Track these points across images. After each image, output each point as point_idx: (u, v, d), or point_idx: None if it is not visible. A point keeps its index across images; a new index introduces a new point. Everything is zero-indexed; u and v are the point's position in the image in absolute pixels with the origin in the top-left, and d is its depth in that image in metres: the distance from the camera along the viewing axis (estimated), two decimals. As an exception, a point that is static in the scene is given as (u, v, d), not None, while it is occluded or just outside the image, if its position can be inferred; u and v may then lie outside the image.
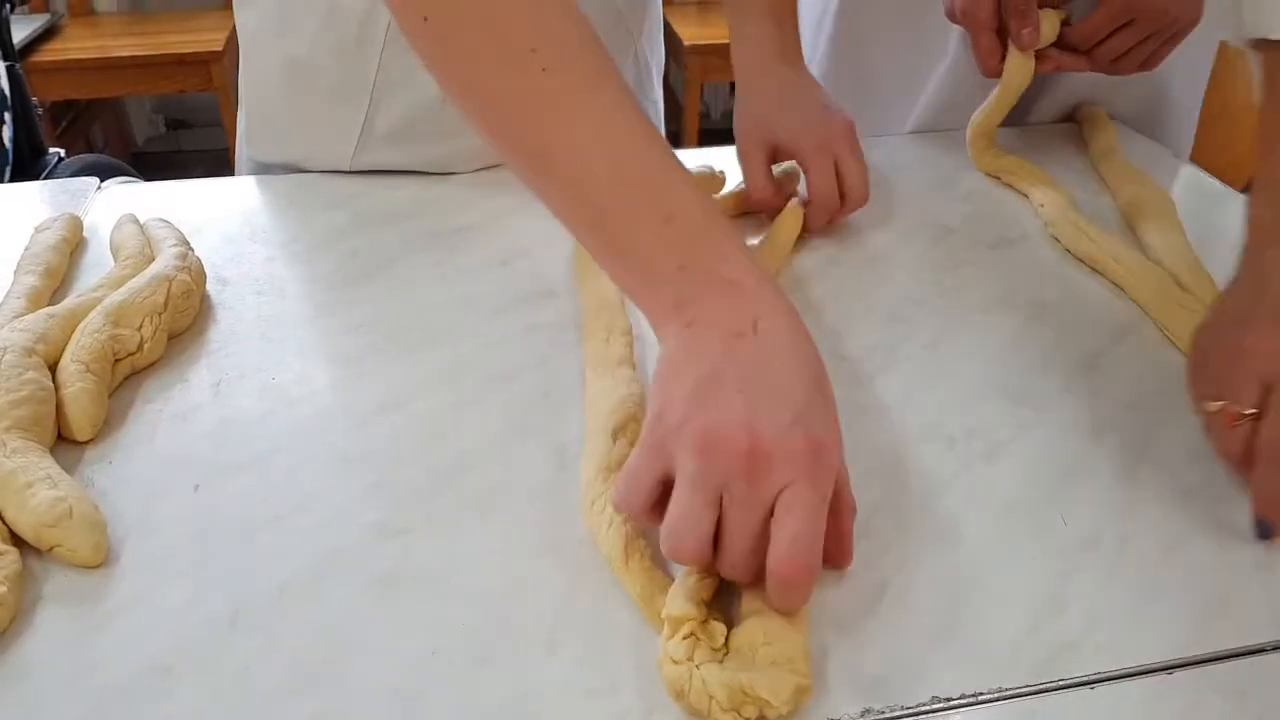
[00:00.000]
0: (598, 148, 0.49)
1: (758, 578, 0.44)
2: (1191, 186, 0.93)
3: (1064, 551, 0.51)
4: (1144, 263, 0.74)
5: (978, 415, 0.61)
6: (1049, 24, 0.88)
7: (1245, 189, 0.88)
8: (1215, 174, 0.94)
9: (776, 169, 0.84)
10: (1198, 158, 1.07)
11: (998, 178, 0.92)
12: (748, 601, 0.45)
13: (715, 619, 0.44)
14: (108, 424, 0.59)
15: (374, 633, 0.46)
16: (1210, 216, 0.86)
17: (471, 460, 0.57)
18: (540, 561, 0.50)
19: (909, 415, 0.61)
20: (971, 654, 0.46)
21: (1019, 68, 0.89)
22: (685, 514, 0.43)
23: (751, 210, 0.84)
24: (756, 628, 0.44)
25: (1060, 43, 0.90)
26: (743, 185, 0.84)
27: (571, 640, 0.46)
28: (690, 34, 2.76)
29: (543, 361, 0.65)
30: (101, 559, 0.50)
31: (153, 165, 3.27)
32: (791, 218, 0.79)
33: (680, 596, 0.45)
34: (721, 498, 0.43)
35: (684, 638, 0.43)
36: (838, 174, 0.79)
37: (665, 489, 0.45)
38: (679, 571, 0.47)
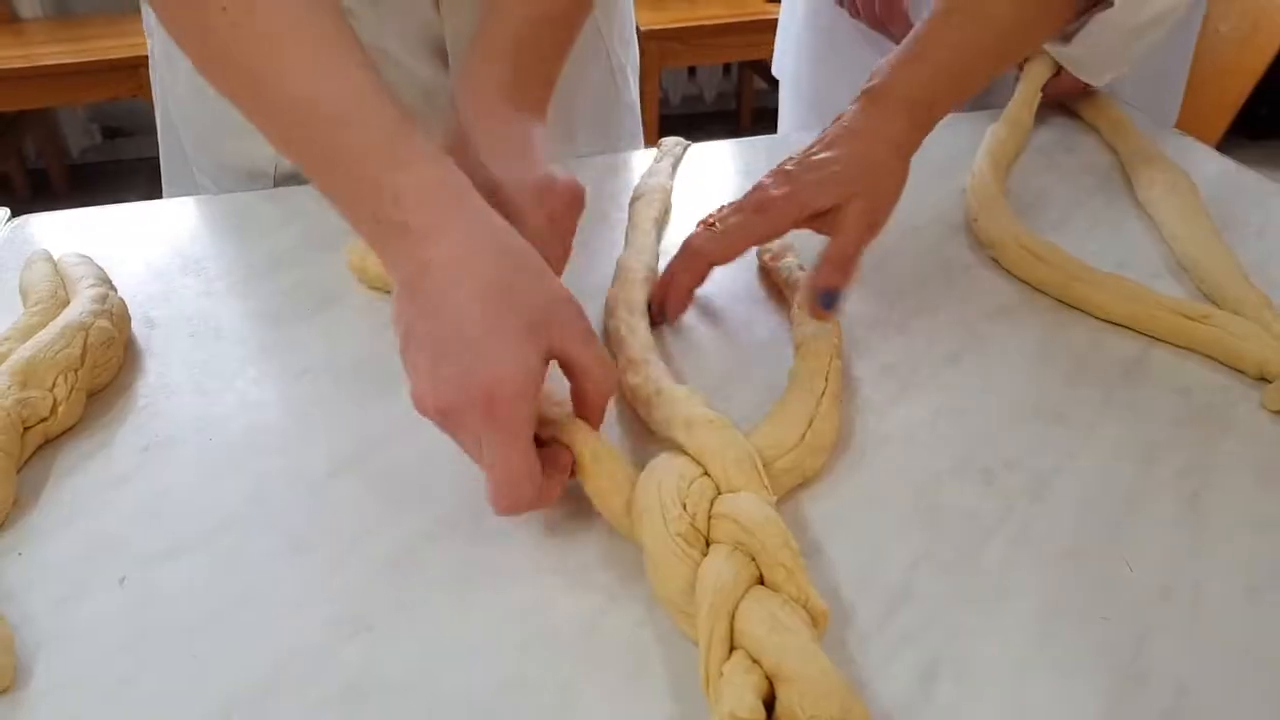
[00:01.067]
0: (284, 94, 0.48)
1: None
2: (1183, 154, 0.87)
3: (1136, 606, 0.45)
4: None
5: (1015, 442, 0.54)
6: (1044, 68, 0.92)
7: (1219, 145, 0.85)
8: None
9: None
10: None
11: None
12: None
13: None
14: (17, 505, 0.51)
15: (339, 763, 0.39)
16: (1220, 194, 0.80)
17: (441, 530, 0.49)
18: (531, 655, 0.43)
19: (938, 445, 0.54)
20: (1049, 746, 0.39)
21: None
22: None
23: None
24: None
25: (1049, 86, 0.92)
26: None
27: (577, 757, 0.39)
28: (646, 19, 2.68)
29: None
30: (8, 683, 0.42)
31: (90, 177, 3.15)
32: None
33: (749, 693, 0.38)
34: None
35: None
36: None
37: None
38: (734, 669, 0.39)
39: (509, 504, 0.46)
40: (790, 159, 0.63)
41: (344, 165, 0.48)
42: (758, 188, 0.62)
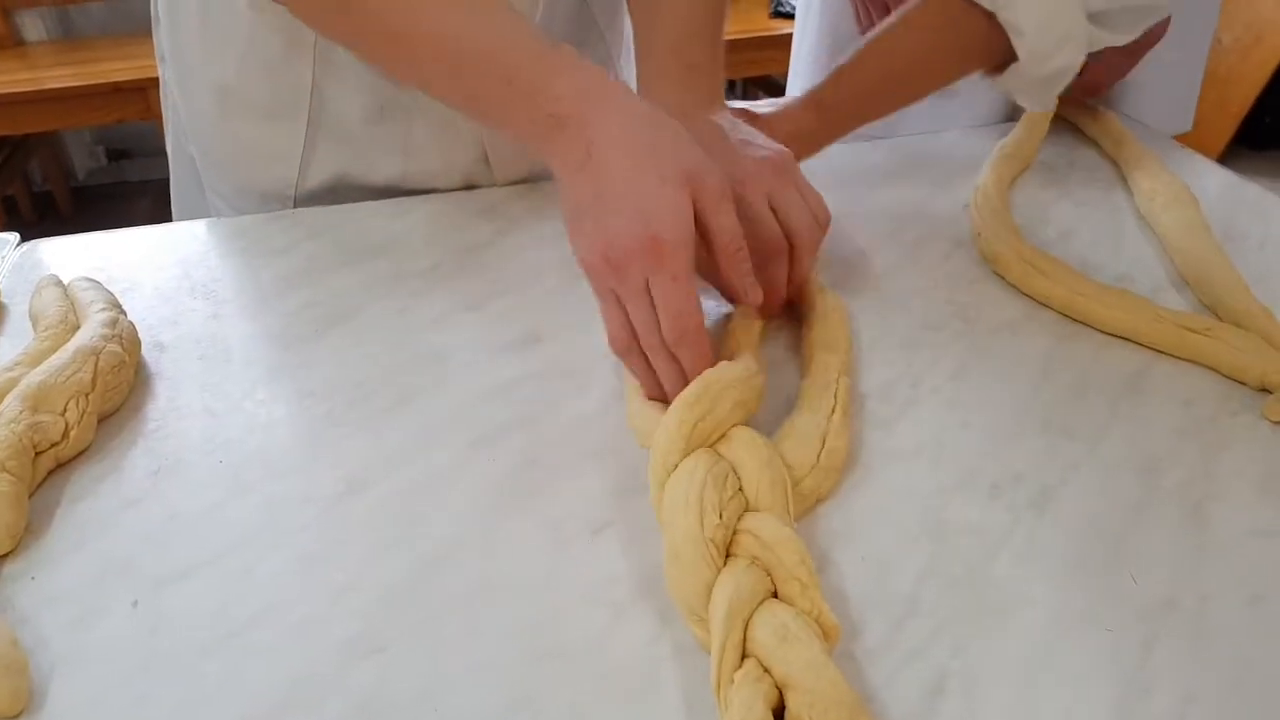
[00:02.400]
0: (444, 29, 0.59)
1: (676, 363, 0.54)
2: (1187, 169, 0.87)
3: (1141, 617, 0.45)
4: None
5: (1020, 456, 0.54)
6: None
7: (1219, 160, 0.86)
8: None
9: None
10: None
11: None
12: None
13: None
14: (29, 530, 0.51)
15: (352, 782, 0.39)
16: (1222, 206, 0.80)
17: (452, 550, 0.49)
18: (542, 671, 0.43)
19: (944, 460, 0.54)
20: (1057, 759, 0.39)
21: None
22: (605, 317, 0.55)
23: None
24: None
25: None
26: None
27: (588, 774, 0.39)
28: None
29: (529, 421, 0.58)
30: (22, 707, 0.42)
31: (95, 199, 3.16)
32: (742, 322, 0.62)
33: (759, 702, 0.38)
34: (616, 295, 0.54)
35: None
36: (775, 213, 0.63)
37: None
38: (745, 678, 0.39)
39: (679, 334, 0.52)
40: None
41: (506, 78, 0.56)
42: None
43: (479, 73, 0.58)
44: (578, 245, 0.54)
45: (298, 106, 0.80)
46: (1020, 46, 0.74)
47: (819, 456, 0.52)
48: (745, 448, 0.48)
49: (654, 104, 0.57)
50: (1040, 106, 0.82)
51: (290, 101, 0.80)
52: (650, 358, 0.54)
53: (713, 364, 0.53)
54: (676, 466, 0.48)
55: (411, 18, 0.59)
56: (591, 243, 0.53)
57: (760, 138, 0.67)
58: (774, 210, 0.63)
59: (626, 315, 0.54)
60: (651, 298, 0.53)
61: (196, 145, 0.89)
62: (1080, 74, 0.93)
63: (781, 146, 0.66)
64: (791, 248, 0.64)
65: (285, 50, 0.78)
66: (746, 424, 0.52)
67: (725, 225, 0.55)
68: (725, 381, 0.51)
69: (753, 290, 0.58)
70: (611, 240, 0.52)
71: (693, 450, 0.49)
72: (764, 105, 0.78)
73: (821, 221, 0.65)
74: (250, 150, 0.84)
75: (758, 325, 0.62)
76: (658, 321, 0.53)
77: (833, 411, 0.54)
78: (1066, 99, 0.92)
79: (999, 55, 0.76)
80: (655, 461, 0.49)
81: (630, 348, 0.55)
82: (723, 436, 0.50)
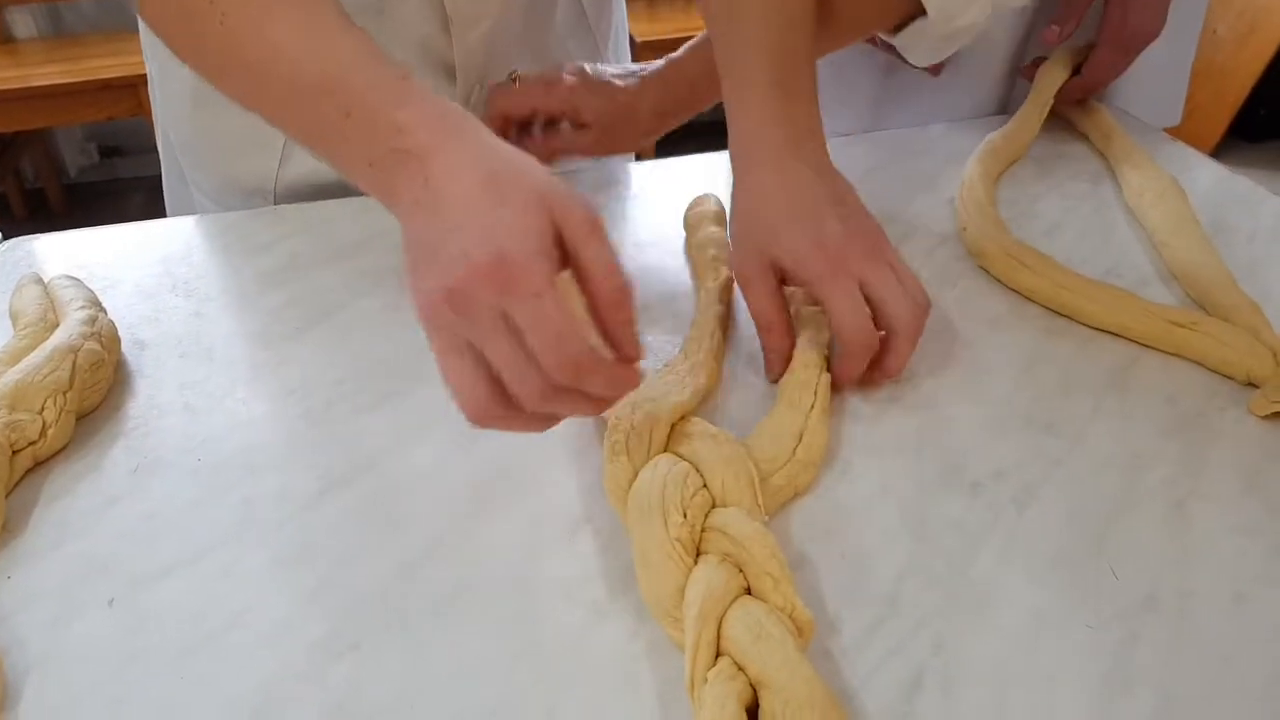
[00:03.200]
0: (281, 49, 0.50)
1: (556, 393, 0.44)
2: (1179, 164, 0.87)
3: (1121, 614, 0.45)
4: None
5: (1003, 453, 0.54)
6: (1058, 73, 0.91)
7: (1213, 152, 0.86)
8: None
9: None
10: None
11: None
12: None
13: None
14: (6, 529, 0.51)
15: (326, 783, 0.39)
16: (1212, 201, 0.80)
17: (431, 550, 0.49)
18: (519, 671, 0.43)
19: (926, 456, 0.54)
20: (1035, 757, 0.39)
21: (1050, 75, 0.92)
22: (450, 382, 0.45)
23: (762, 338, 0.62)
24: None
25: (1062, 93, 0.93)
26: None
27: (563, 774, 0.39)
28: (642, 29, 2.68)
29: (507, 419, 0.58)
30: (-4, 708, 0.42)
31: (87, 196, 3.15)
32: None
33: (732, 701, 0.38)
34: (470, 346, 0.44)
35: None
36: (870, 301, 0.57)
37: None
38: (718, 676, 0.39)
39: (558, 362, 0.42)
40: None
41: (348, 115, 0.48)
42: None
43: (314, 101, 0.49)
44: (415, 293, 0.45)
45: None
46: (929, 1, 0.71)
47: (794, 451, 0.51)
48: (705, 444, 0.48)
49: (504, 142, 0.48)
50: (927, 63, 0.81)
51: None
52: (535, 406, 0.45)
53: (625, 380, 0.46)
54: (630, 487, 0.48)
55: (250, 32, 0.51)
56: (428, 279, 0.44)
57: (853, 199, 0.62)
58: (869, 300, 0.57)
59: (481, 369, 0.44)
60: (511, 332, 0.43)
61: (177, 139, 0.89)
62: (1075, 73, 0.93)
63: (873, 223, 0.61)
64: (886, 343, 0.58)
65: None
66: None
67: (598, 257, 0.45)
68: (654, 407, 0.51)
69: (632, 344, 0.46)
70: (448, 269, 0.43)
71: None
72: (614, 71, 0.82)
73: (921, 310, 0.59)
74: (228, 143, 0.83)
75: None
76: (529, 359, 0.43)
77: (811, 408, 0.54)
78: (1062, 97, 0.92)
79: (907, 8, 0.74)
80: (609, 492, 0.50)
81: (493, 410, 0.45)
82: (684, 436, 0.50)
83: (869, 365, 0.58)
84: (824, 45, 0.73)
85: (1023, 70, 0.96)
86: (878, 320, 0.57)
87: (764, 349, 0.62)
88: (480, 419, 0.45)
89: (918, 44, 0.78)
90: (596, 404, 0.46)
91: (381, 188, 0.49)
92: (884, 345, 0.58)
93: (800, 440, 0.52)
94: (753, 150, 0.63)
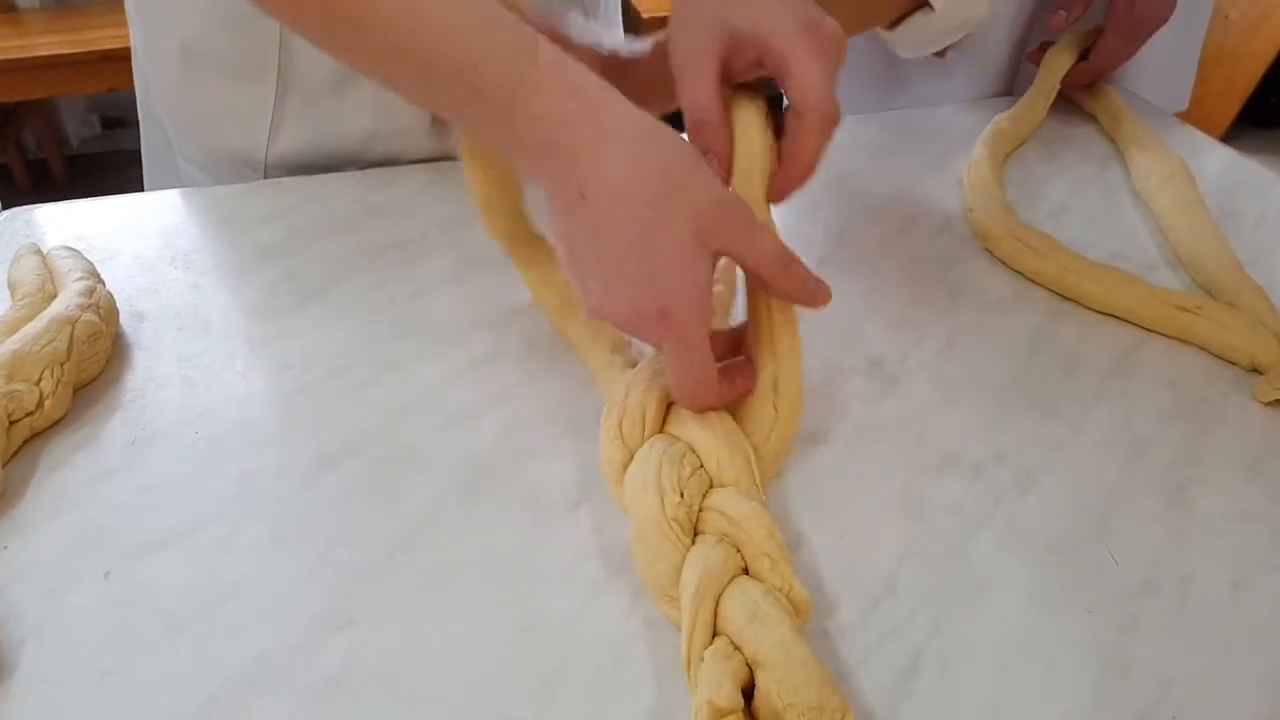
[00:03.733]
0: (400, 16, 0.47)
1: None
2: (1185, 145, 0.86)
3: (1120, 599, 0.45)
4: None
5: (1004, 435, 0.54)
6: (1064, 60, 0.91)
7: (1224, 138, 0.86)
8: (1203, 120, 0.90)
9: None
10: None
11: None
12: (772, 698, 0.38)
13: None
14: (3, 499, 0.51)
15: (320, 757, 0.39)
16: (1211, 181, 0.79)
17: (426, 526, 0.49)
18: (514, 647, 0.43)
19: (928, 438, 0.54)
20: (1031, 740, 0.39)
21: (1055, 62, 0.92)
22: None
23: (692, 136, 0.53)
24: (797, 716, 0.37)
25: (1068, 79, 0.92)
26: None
27: (558, 751, 0.39)
28: (648, 6, 2.66)
29: (505, 396, 0.57)
30: (-8, 677, 0.42)
31: (90, 167, 3.14)
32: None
33: (727, 680, 0.37)
34: None
35: None
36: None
37: None
38: (714, 655, 0.39)
39: (690, 403, 0.49)
40: None
41: (474, 88, 0.46)
42: None
43: (444, 78, 0.48)
44: (585, 298, 0.49)
45: (265, 65, 0.79)
46: None
47: (774, 406, 0.50)
48: (700, 425, 0.48)
49: (651, 121, 0.47)
50: (916, 55, 0.80)
51: (257, 60, 0.79)
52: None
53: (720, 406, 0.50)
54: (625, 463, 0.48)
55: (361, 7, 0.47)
56: (599, 301, 0.48)
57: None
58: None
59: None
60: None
61: (165, 109, 0.87)
62: (1083, 57, 0.92)
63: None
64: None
65: (250, 6, 0.76)
66: None
67: (765, 251, 0.48)
68: (649, 389, 0.51)
69: (820, 290, 0.50)
70: (620, 306, 0.47)
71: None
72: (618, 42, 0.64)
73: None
74: (218, 112, 0.82)
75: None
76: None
77: (775, 352, 0.51)
78: (1068, 83, 0.92)
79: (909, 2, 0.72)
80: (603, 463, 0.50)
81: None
82: (679, 417, 0.49)
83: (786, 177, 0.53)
84: None
85: (1028, 54, 0.96)
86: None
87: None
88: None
89: (915, 37, 0.76)
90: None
91: (528, 168, 0.49)
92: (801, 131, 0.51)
93: (777, 391, 0.50)
94: None
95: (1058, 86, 0.90)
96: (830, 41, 0.51)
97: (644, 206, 0.45)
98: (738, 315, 0.59)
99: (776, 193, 0.53)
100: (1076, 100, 0.95)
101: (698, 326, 0.47)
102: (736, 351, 0.53)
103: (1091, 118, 0.92)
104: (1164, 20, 0.88)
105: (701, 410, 0.49)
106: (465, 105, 0.48)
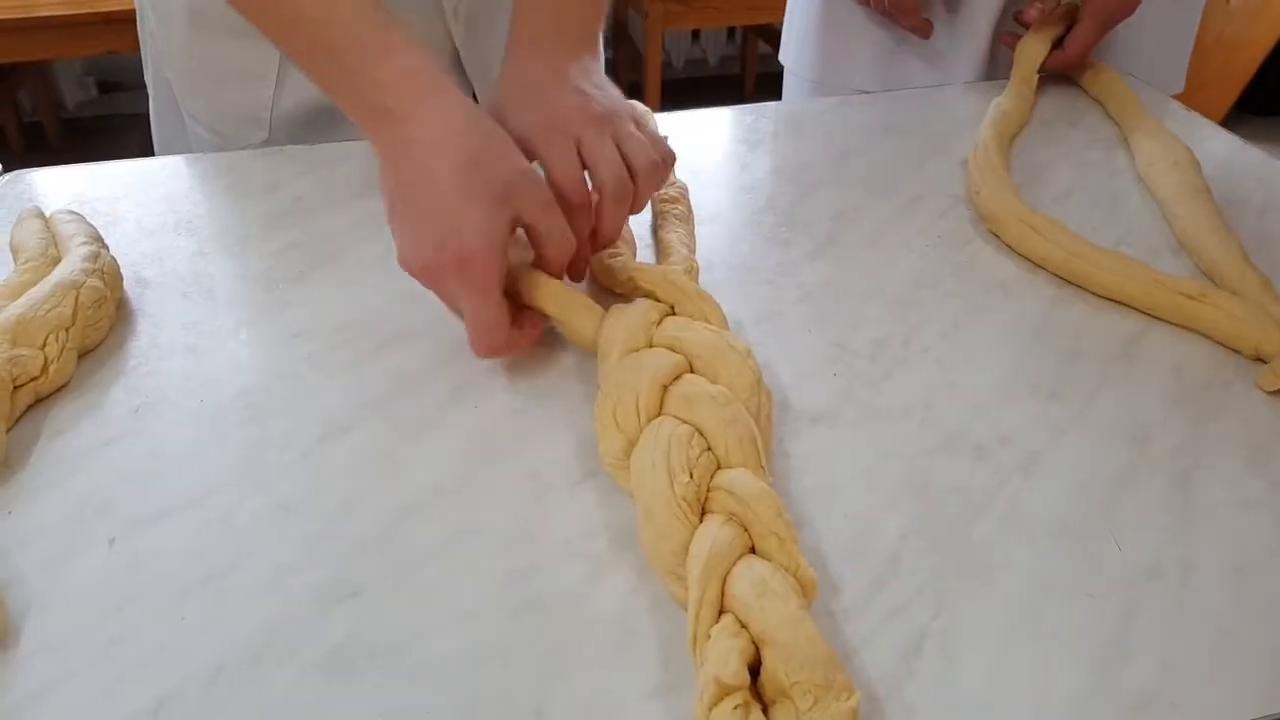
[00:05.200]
0: (299, 14, 0.56)
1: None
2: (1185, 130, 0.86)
3: (1123, 584, 0.45)
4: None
5: (1008, 418, 0.54)
6: (1038, 47, 0.92)
7: (1223, 123, 0.86)
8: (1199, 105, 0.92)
9: None
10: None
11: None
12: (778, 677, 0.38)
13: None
14: (7, 465, 0.51)
15: (326, 726, 0.39)
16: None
17: (431, 497, 0.49)
18: (519, 621, 0.43)
19: (931, 420, 0.54)
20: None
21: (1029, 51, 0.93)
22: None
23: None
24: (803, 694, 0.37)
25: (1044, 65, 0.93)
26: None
27: (564, 718, 0.39)
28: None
29: (510, 369, 0.57)
30: (-3, 642, 0.42)
31: (85, 131, 3.12)
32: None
33: (734, 657, 0.37)
34: None
35: (735, 707, 0.36)
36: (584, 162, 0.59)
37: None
38: (721, 632, 0.39)
39: (484, 348, 0.55)
40: None
41: (337, 62, 0.55)
42: None
43: (305, 37, 0.57)
44: (397, 244, 0.55)
45: None
46: None
47: (748, 365, 0.51)
48: (706, 407, 0.48)
49: (475, 107, 0.55)
50: None
51: None
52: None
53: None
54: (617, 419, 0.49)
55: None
56: (407, 249, 0.54)
57: (608, 90, 0.62)
58: (584, 161, 0.58)
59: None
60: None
61: (172, 68, 0.88)
62: (1057, 44, 0.92)
63: (616, 103, 0.61)
64: (599, 201, 0.59)
65: None
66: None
67: (553, 228, 0.55)
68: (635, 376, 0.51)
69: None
70: (426, 254, 0.53)
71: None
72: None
73: (666, 161, 0.61)
74: (225, 69, 0.83)
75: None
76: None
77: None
78: (1044, 71, 0.92)
79: None
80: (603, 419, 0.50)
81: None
82: (683, 398, 0.49)
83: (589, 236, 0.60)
84: None
85: (1002, 38, 0.97)
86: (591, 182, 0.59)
87: None
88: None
89: None
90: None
91: (366, 129, 0.56)
92: (598, 209, 0.59)
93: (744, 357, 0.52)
94: (511, 48, 0.64)
95: (1035, 77, 0.92)
96: (580, 123, 0.58)
97: (457, 166, 0.52)
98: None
99: None
100: (1082, 85, 0.95)
101: (490, 274, 0.52)
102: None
103: (1097, 102, 0.92)
104: (1135, 7, 0.91)
105: (495, 355, 0.56)
106: (324, 66, 0.56)
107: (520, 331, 0.56)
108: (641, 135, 0.60)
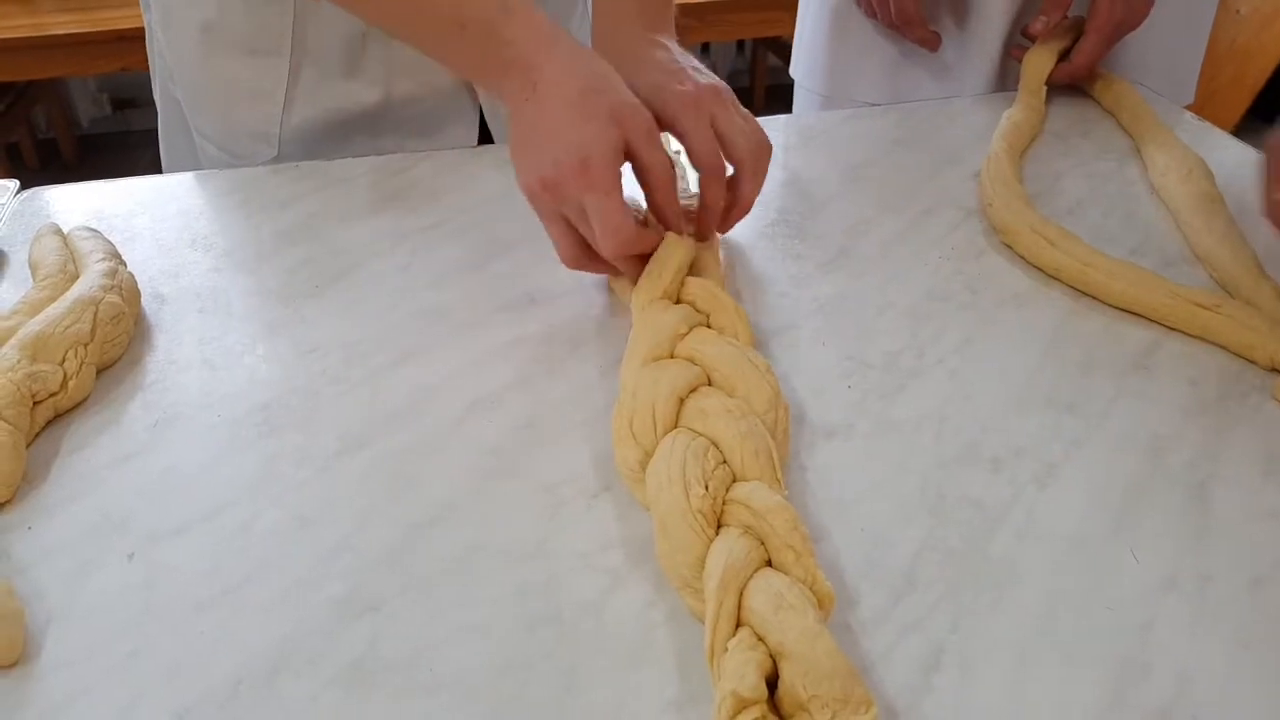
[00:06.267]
0: None
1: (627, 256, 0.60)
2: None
3: (1140, 596, 0.45)
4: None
5: (1024, 430, 0.54)
6: (1045, 60, 0.93)
7: (1236, 129, 0.86)
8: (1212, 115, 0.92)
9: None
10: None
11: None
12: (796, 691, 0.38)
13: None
14: (26, 480, 0.51)
15: (345, 741, 0.39)
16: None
17: (447, 512, 0.49)
18: (536, 635, 0.43)
19: (946, 433, 0.54)
20: (1051, 736, 0.39)
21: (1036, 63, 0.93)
22: (552, 237, 0.61)
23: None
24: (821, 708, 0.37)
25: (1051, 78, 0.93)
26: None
27: (581, 738, 0.39)
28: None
29: (526, 383, 0.58)
30: (17, 657, 0.42)
31: (100, 147, 3.14)
32: (673, 247, 0.61)
33: (752, 671, 0.37)
34: (561, 215, 0.60)
35: None
36: (719, 137, 0.64)
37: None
38: (739, 646, 0.39)
39: (613, 245, 0.58)
40: None
41: (468, 33, 0.61)
42: None
43: (434, 17, 0.62)
44: (519, 172, 0.59)
45: (280, 41, 0.82)
46: None
47: (766, 381, 0.52)
48: (722, 421, 0.48)
49: (597, 49, 0.63)
50: None
51: (273, 35, 0.81)
52: (609, 258, 0.60)
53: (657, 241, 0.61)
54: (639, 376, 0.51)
55: None
56: (532, 170, 0.58)
57: (702, 67, 0.68)
58: (717, 134, 0.64)
59: (573, 233, 0.60)
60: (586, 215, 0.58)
61: (181, 87, 0.89)
62: (1064, 57, 0.93)
63: (718, 80, 0.67)
64: (737, 171, 0.65)
65: None
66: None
67: (656, 160, 0.60)
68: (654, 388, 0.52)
69: (680, 220, 0.63)
70: (545, 169, 0.57)
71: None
72: None
73: (764, 147, 0.66)
74: (235, 87, 0.84)
75: (682, 252, 0.61)
76: (596, 234, 0.58)
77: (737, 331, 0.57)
78: (1051, 83, 0.92)
79: None
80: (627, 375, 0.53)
81: (580, 259, 0.61)
82: (699, 412, 0.49)
83: (716, 194, 0.65)
84: None
85: (1011, 51, 0.97)
86: (727, 154, 0.65)
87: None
88: (570, 264, 0.62)
89: None
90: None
91: (493, 87, 0.62)
92: (732, 180, 0.66)
93: (762, 373, 0.53)
94: (609, 29, 0.72)
95: (1043, 89, 0.92)
96: (711, 99, 0.64)
97: (576, 94, 0.58)
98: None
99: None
100: (1094, 96, 0.95)
101: (611, 174, 0.56)
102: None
103: (1109, 113, 0.92)
104: (1142, 20, 0.90)
105: (626, 251, 0.58)
106: (451, 39, 0.62)
107: (647, 230, 0.60)
108: (748, 117, 0.66)
